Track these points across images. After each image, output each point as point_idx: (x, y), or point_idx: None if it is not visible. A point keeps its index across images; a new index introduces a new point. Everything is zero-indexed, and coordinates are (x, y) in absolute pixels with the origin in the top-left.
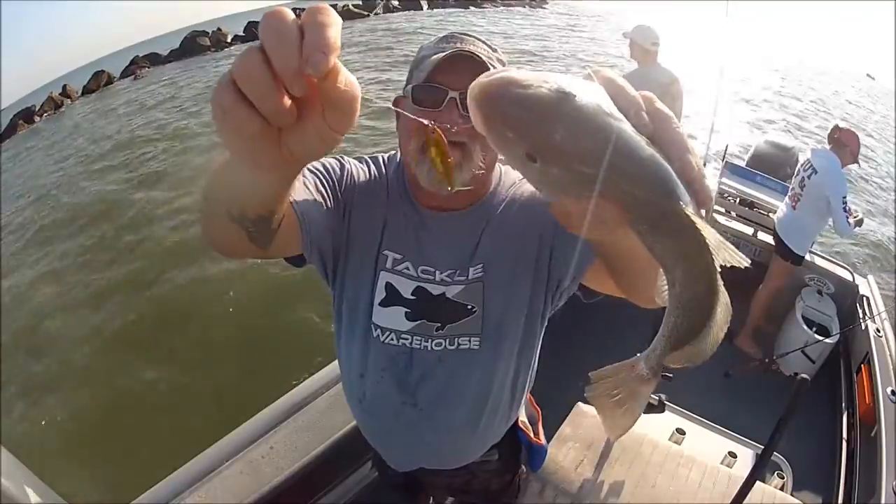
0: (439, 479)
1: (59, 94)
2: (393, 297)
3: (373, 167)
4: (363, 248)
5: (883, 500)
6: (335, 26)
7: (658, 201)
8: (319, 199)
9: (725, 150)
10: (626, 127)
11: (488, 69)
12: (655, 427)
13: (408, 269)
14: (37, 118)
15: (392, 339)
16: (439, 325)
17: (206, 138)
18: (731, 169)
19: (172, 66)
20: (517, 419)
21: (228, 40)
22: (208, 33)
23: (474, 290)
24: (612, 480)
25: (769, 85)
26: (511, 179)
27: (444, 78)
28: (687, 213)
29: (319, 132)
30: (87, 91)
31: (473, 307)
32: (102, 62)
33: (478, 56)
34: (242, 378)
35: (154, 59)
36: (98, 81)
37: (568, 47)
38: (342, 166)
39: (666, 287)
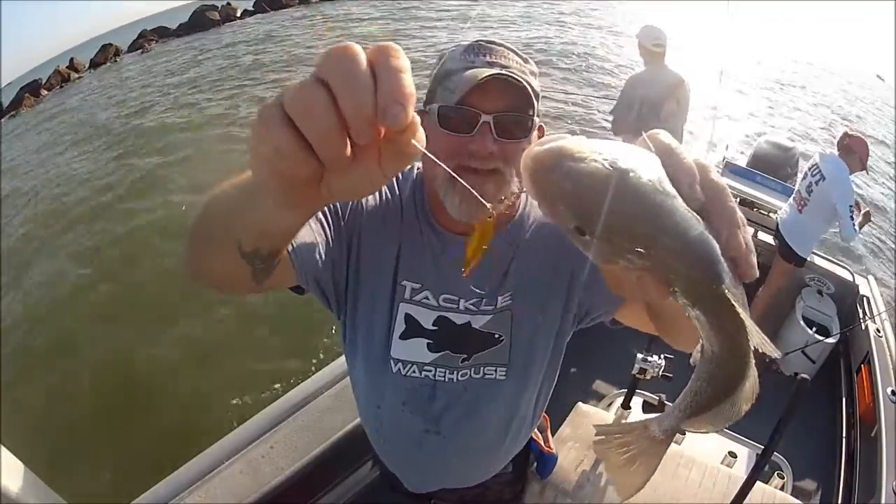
0: (451, 495)
1: (66, 68)
2: (413, 329)
3: (383, 188)
4: (377, 278)
5: (883, 500)
6: (409, 71)
7: (702, 281)
8: (318, 228)
9: (725, 149)
10: (679, 204)
11: (526, 91)
12: None
13: (427, 298)
14: (43, 91)
15: (414, 372)
16: (465, 356)
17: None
18: (731, 169)
19: (180, 41)
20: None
21: (238, 14)
22: (218, 7)
23: (502, 319)
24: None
25: (779, 87)
26: (526, 214)
27: (477, 100)
28: (728, 295)
29: (370, 176)
30: (94, 64)
31: (501, 336)
32: (110, 36)
33: (513, 78)
34: (243, 377)
35: (162, 33)
36: (105, 55)
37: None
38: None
39: (700, 353)
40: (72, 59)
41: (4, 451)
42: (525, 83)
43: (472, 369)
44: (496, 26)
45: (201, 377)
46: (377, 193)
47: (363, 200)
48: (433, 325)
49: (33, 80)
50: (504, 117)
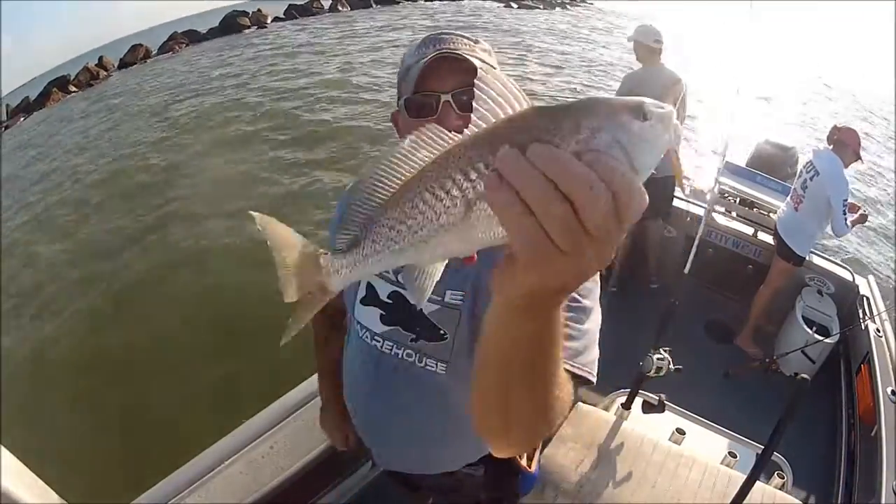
0: (428, 480)
1: (95, 66)
2: (371, 297)
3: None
4: None
5: (883, 500)
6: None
7: None
8: None
9: (725, 149)
10: None
11: (472, 64)
12: (655, 427)
13: (388, 272)
14: (71, 87)
15: (367, 337)
16: (413, 336)
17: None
18: (731, 169)
19: (210, 45)
20: None
21: (268, 21)
22: (248, 13)
23: (450, 316)
24: (612, 480)
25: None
26: None
27: (433, 83)
28: None
29: None
30: (123, 64)
31: (445, 334)
32: (140, 36)
33: (456, 54)
34: (243, 377)
35: (192, 36)
36: (135, 55)
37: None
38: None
39: None
40: (101, 58)
41: (4, 451)
42: (471, 57)
43: (417, 355)
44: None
45: (202, 377)
46: None
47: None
48: (388, 297)
49: (62, 75)
50: (461, 92)
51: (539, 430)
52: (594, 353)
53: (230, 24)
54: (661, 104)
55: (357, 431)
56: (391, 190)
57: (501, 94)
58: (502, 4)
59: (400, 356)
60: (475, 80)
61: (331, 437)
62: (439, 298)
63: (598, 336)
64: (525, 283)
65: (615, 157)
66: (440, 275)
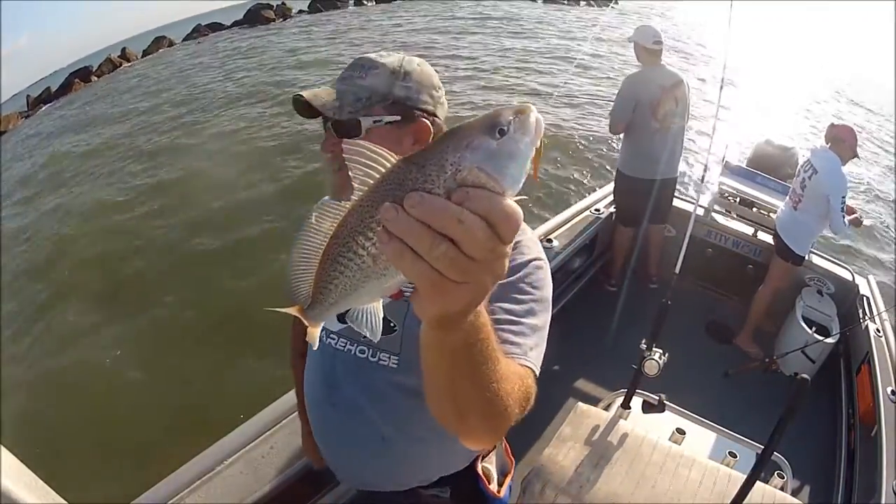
0: (390, 500)
1: (118, 57)
2: None
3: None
4: None
5: (883, 500)
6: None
7: None
8: None
9: (725, 149)
10: None
11: (305, 107)
12: (655, 427)
13: None
14: (94, 78)
15: (323, 336)
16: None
17: None
18: (731, 169)
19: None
20: (477, 464)
21: (293, 13)
22: (273, 6)
23: (397, 308)
24: (612, 480)
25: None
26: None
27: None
28: None
29: None
30: (146, 55)
31: (395, 325)
32: (165, 29)
33: (299, 97)
34: (244, 375)
35: (216, 29)
36: (158, 46)
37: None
38: None
39: None
40: (124, 49)
41: (4, 451)
42: (298, 97)
43: (370, 350)
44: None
45: (202, 376)
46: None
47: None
48: None
49: (84, 66)
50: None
51: (495, 418)
52: (541, 347)
53: (255, 16)
54: (517, 108)
55: (319, 446)
56: (316, 257)
57: (370, 158)
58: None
59: (353, 352)
60: (345, 154)
61: (308, 456)
62: None
63: (545, 332)
64: (431, 311)
65: (482, 181)
66: (381, 311)
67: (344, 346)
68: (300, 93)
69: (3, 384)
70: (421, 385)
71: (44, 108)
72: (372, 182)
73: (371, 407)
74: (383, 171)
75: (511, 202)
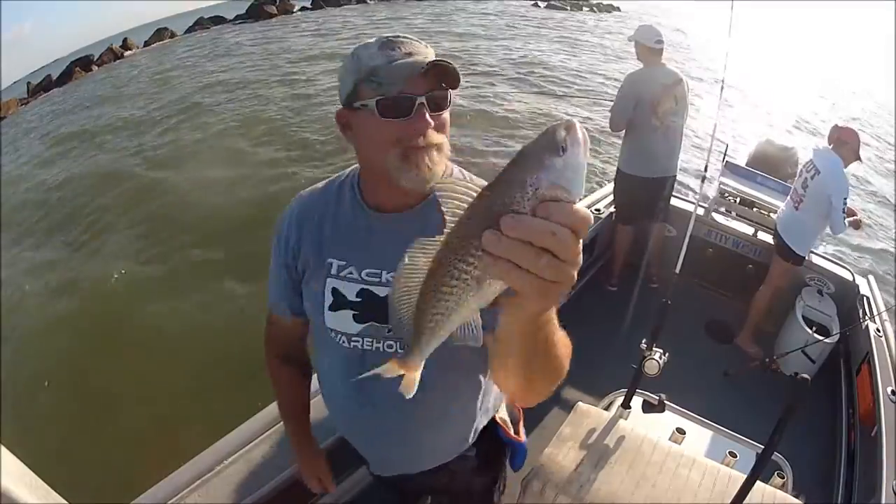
0: (421, 480)
1: (119, 47)
2: (339, 301)
3: (296, 212)
4: (314, 266)
5: (883, 500)
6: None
7: None
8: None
9: (726, 149)
10: None
11: (457, 75)
12: (655, 427)
13: (352, 273)
14: (94, 67)
15: (345, 342)
16: (389, 326)
17: None
18: (731, 169)
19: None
20: (494, 416)
21: (295, 10)
22: (275, 1)
23: None
24: (612, 480)
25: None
26: (458, 176)
27: (411, 87)
28: None
29: None
30: (147, 46)
31: None
32: (166, 23)
33: (447, 63)
34: (244, 375)
35: (218, 22)
36: (160, 37)
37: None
38: (276, 244)
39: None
40: (125, 40)
41: (4, 451)
42: (445, 62)
43: (398, 343)
44: None
45: (202, 376)
46: (293, 221)
47: (288, 236)
48: (356, 296)
49: (85, 55)
50: (434, 95)
51: (558, 377)
52: None
53: (257, 11)
54: (565, 125)
55: (350, 440)
56: (414, 295)
57: (459, 192)
58: (530, 3)
59: (381, 349)
60: (437, 190)
61: (311, 482)
62: None
63: None
64: (534, 311)
65: (559, 194)
66: (479, 319)
67: (371, 346)
68: (440, 59)
69: (3, 385)
70: (449, 356)
71: (43, 96)
72: (462, 213)
73: (407, 407)
74: (471, 201)
75: (583, 207)
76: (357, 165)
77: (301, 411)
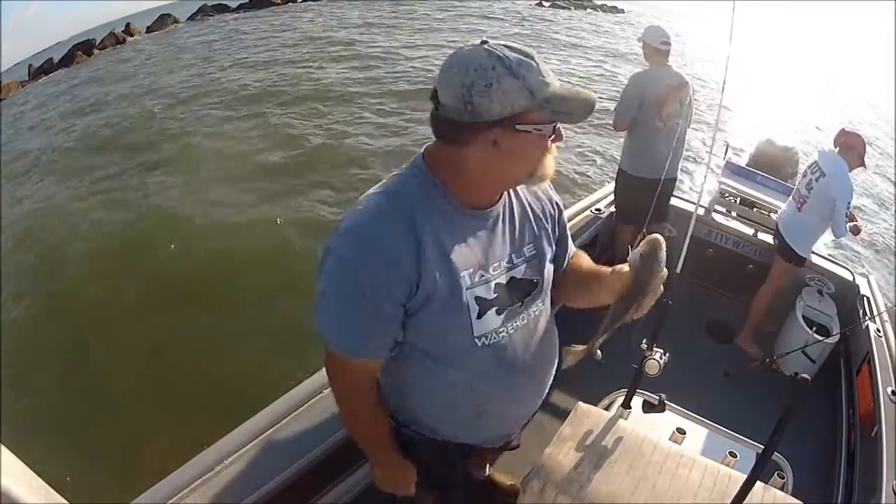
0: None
1: (122, 32)
2: (483, 305)
3: (393, 241)
4: (447, 285)
5: (883, 500)
6: None
7: None
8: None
9: (726, 149)
10: None
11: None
12: (655, 427)
13: (483, 275)
14: (96, 51)
15: (494, 339)
16: (519, 303)
17: None
18: (731, 169)
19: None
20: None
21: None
22: None
23: (535, 265)
24: (613, 480)
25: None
26: None
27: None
28: None
29: None
30: (150, 32)
31: (537, 280)
32: (170, 8)
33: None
34: (244, 375)
35: (221, 10)
36: (163, 23)
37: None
38: (359, 282)
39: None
40: (128, 24)
41: (4, 451)
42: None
43: (527, 312)
44: None
45: (202, 376)
46: (389, 249)
47: (391, 266)
48: (493, 292)
49: (87, 39)
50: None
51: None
52: None
53: (260, 0)
54: (657, 241)
55: (474, 437)
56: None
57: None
58: (534, 3)
59: (518, 328)
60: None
61: (399, 488)
62: (523, 258)
63: None
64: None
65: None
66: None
67: (515, 328)
68: (581, 95)
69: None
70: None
71: (43, 79)
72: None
73: (541, 354)
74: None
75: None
76: (401, 174)
77: (391, 432)
